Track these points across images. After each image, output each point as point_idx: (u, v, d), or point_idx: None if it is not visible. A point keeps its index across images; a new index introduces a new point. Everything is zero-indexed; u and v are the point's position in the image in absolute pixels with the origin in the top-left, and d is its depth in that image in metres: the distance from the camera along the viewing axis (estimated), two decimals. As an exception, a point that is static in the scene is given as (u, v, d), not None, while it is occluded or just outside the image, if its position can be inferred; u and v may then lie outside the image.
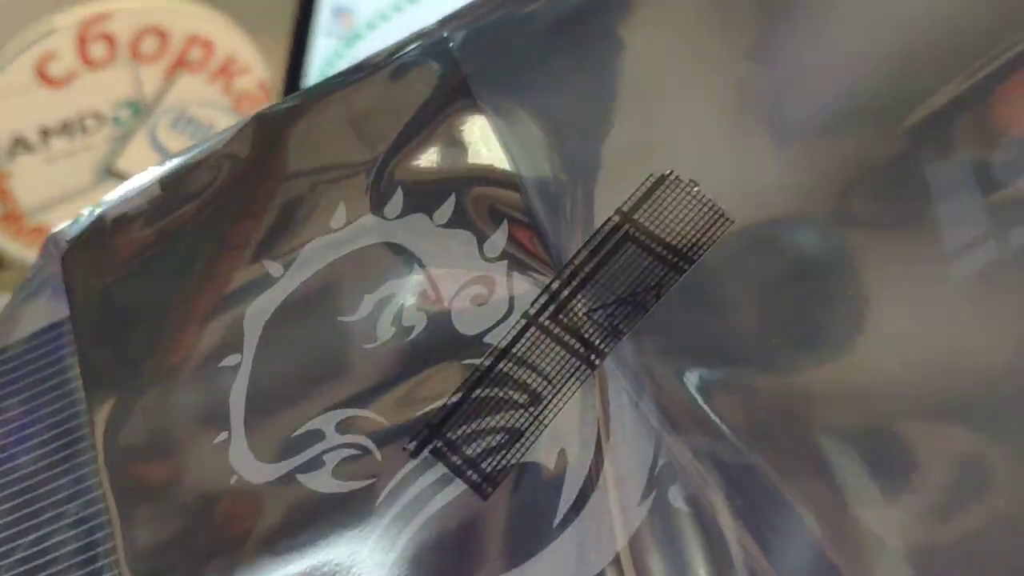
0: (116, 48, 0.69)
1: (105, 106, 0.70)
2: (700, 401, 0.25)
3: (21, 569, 0.28)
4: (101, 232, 0.31)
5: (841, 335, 0.25)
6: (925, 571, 0.23)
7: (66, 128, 0.69)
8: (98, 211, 0.31)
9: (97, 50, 0.68)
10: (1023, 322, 0.24)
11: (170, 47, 0.69)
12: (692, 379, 0.25)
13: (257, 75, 0.70)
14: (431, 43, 0.30)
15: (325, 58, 0.70)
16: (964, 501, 0.23)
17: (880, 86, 0.27)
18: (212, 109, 0.70)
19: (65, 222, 0.31)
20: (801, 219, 0.26)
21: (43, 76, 0.67)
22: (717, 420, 0.25)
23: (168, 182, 0.31)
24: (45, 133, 0.68)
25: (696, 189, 0.26)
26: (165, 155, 0.73)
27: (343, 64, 0.70)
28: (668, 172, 0.27)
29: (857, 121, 0.26)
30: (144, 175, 0.31)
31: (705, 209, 0.26)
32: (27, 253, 0.67)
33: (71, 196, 0.70)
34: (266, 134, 0.30)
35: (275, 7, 0.70)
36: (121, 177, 0.71)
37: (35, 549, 0.28)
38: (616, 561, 0.24)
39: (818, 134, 0.27)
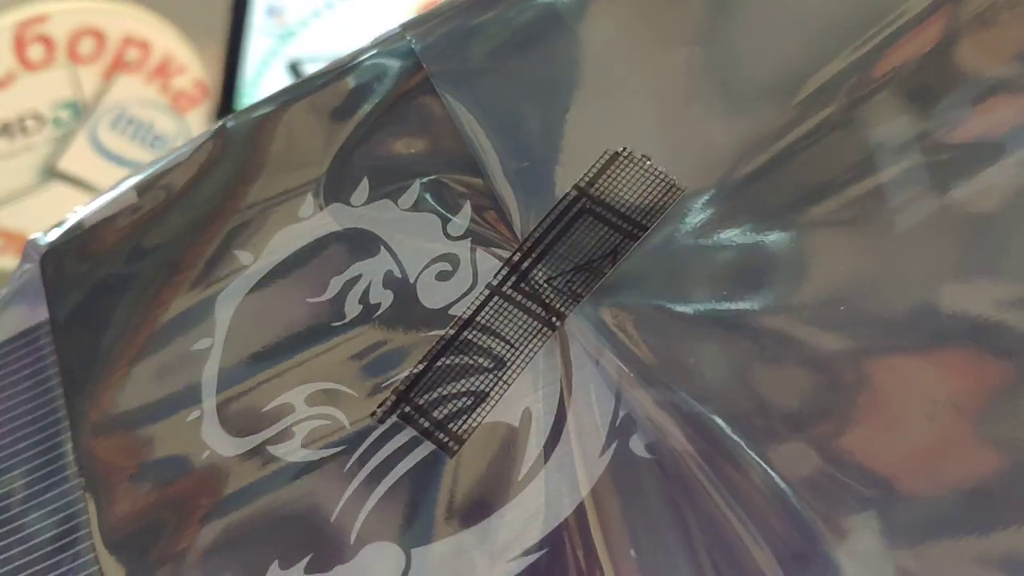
0: (54, 50, 0.67)
1: (45, 107, 0.68)
2: (656, 353, 0.25)
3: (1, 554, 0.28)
4: (80, 236, 0.31)
5: (786, 285, 0.25)
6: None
7: (7, 129, 0.68)
8: (76, 218, 0.31)
9: (35, 52, 0.67)
10: (944, 267, 0.25)
11: (107, 48, 0.68)
12: (649, 335, 0.25)
13: (194, 74, 0.69)
14: (394, 45, 0.30)
15: (260, 56, 0.69)
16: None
17: (782, 62, 0.27)
18: (151, 109, 0.69)
19: (42, 231, 0.32)
20: (740, 180, 0.26)
21: (-19, 79, 0.66)
22: (673, 371, 0.25)
23: (143, 188, 0.31)
24: (-14, 134, 0.67)
25: (648, 163, 0.27)
26: (106, 155, 0.71)
27: (278, 61, 0.70)
28: (622, 149, 0.27)
29: (766, 94, 0.27)
30: (119, 185, 0.31)
31: (657, 181, 0.26)
32: (-27, 252, 0.66)
33: (15, 196, 0.68)
34: (238, 139, 0.31)
35: (210, 8, 0.69)
36: (63, 177, 0.69)
37: (12, 533, 0.28)
38: (580, 508, 0.24)
39: (749, 103, 0.27)
